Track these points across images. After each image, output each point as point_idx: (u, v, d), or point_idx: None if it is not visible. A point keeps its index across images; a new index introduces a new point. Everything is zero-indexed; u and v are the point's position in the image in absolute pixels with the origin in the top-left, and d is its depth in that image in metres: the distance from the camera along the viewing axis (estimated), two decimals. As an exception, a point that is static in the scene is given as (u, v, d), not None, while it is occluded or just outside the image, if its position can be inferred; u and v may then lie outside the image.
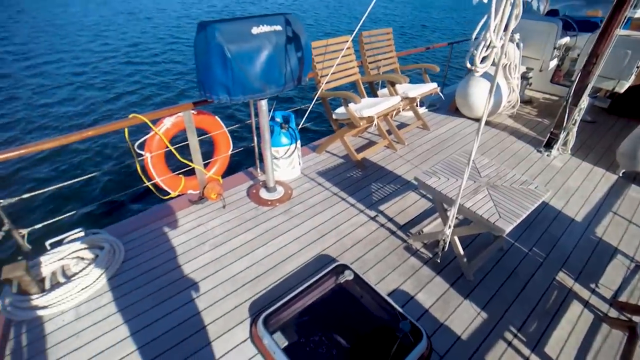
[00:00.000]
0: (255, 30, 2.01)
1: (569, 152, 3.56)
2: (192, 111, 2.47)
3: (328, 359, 1.64)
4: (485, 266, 2.28)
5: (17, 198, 2.04)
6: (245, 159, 4.43)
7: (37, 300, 1.89)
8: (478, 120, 4.22)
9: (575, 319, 1.97)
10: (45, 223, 2.23)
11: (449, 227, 1.94)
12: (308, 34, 2.30)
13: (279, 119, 2.96)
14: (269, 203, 2.72)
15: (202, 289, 2.04)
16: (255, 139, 3.00)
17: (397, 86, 3.52)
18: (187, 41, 12.28)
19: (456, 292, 2.11)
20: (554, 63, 4.59)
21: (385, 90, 3.79)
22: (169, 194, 2.68)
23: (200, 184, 2.75)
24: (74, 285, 2.00)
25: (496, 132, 3.99)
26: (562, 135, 3.44)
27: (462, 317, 1.96)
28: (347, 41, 3.31)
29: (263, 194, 2.81)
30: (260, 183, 2.96)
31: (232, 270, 2.16)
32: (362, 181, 3.03)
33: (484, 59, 1.31)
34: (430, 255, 2.34)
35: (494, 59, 1.35)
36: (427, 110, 4.47)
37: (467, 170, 1.66)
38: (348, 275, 2.01)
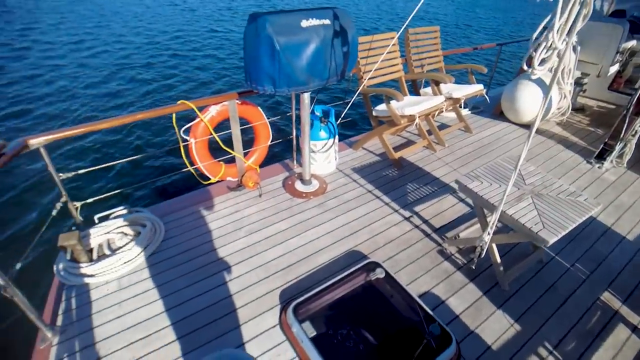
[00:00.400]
0: (304, 23, 2.03)
1: (625, 165, 3.33)
2: (237, 101, 2.54)
3: (355, 353, 1.65)
4: (522, 277, 2.20)
5: (73, 173, 2.19)
6: (283, 151, 4.51)
7: (86, 268, 2.03)
8: (524, 125, 4.04)
9: (621, 344, 1.85)
10: (95, 198, 2.38)
11: (488, 233, 1.89)
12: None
13: (318, 113, 2.98)
14: (304, 195, 2.75)
15: (235, 273, 2.11)
16: (294, 131, 3.04)
17: (442, 86, 3.44)
18: (229, 33, 12.55)
19: (489, 300, 2.04)
20: (614, 69, 4.29)
21: (428, 89, 3.71)
22: (209, 179, 2.77)
23: (239, 172, 2.83)
24: (117, 258, 2.13)
25: (543, 139, 3.80)
26: (617, 147, 3.22)
27: (494, 326, 1.90)
28: (393, 38, 3.26)
29: (298, 186, 2.84)
30: (296, 175, 3.00)
31: (265, 257, 2.21)
32: (398, 180, 3.00)
33: (542, 61, 1.25)
34: (465, 261, 2.28)
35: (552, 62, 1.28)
36: (470, 112, 4.34)
37: (514, 176, 1.60)
38: (379, 273, 2.00)
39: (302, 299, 1.84)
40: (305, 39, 2.05)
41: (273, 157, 3.25)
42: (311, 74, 2.16)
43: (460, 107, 3.84)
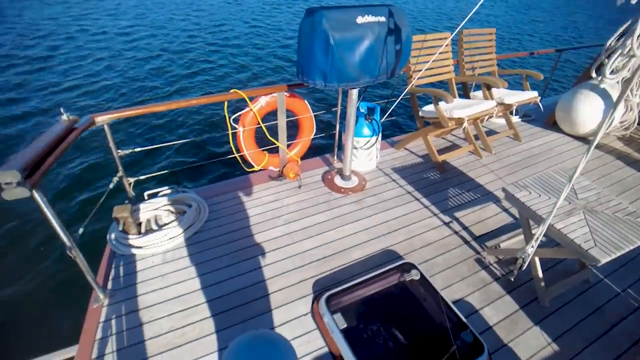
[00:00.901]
0: (360, 19, 2.04)
1: None
2: (285, 93, 2.60)
3: (384, 349, 1.66)
4: (564, 295, 2.09)
5: (130, 150, 2.35)
6: (324, 145, 4.55)
7: (135, 240, 2.18)
8: (579, 138, 3.81)
9: None
10: (147, 176, 2.53)
11: (532, 246, 1.82)
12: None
13: (363, 110, 2.98)
14: (342, 190, 2.77)
15: (272, 259, 2.17)
16: (338, 126, 3.06)
17: (493, 90, 3.32)
18: (282, 26, 12.73)
19: (527, 315, 1.97)
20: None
21: (478, 93, 3.60)
22: (252, 166, 2.86)
23: (281, 162, 2.90)
24: (163, 233, 2.26)
25: (600, 153, 3.57)
26: None
27: (530, 342, 1.83)
28: (447, 38, 3.19)
29: (338, 180, 2.87)
30: (335, 170, 3.02)
31: (301, 247, 2.26)
32: (439, 184, 2.94)
33: (614, 70, 1.18)
34: (504, 272, 2.21)
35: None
36: (520, 119, 4.15)
37: (567, 189, 1.53)
38: (414, 275, 1.99)
39: (335, 290, 1.87)
40: (360, 35, 2.06)
41: (314, 150, 3.29)
42: (362, 70, 2.17)
43: (511, 114, 3.69)
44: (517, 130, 3.68)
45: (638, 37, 0.97)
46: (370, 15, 2.08)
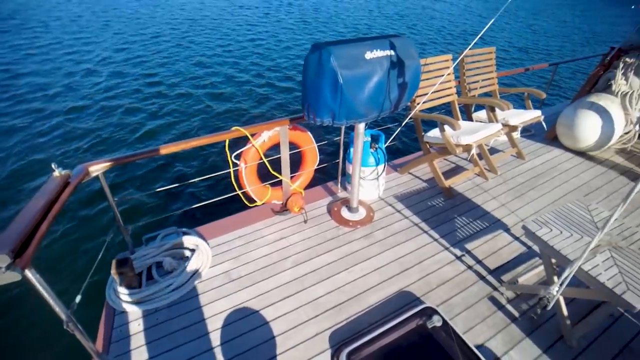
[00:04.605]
0: (369, 55, 1.95)
1: None
2: (288, 126, 2.49)
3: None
4: (590, 332, 2.02)
5: (128, 197, 2.21)
6: (328, 174, 4.30)
7: (136, 295, 2.03)
8: (579, 153, 3.79)
9: None
10: (147, 222, 2.39)
11: (557, 288, 1.74)
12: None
13: (368, 138, 2.88)
14: (350, 224, 2.67)
15: (284, 309, 2.05)
16: (342, 154, 2.96)
17: (497, 111, 3.27)
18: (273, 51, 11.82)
19: (555, 357, 1.89)
20: None
21: (481, 113, 3.55)
22: (255, 202, 2.74)
23: (284, 195, 2.78)
24: (166, 284, 2.13)
25: (603, 169, 3.54)
26: None
27: (561, 389, 1.75)
28: (448, 60, 3.13)
29: (345, 213, 2.76)
30: (341, 201, 2.92)
31: (313, 293, 2.15)
32: (448, 212, 2.86)
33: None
34: (524, 308, 2.13)
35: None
36: (520, 136, 4.12)
37: (600, 235, 1.45)
38: (437, 321, 1.89)
39: (355, 345, 1.76)
40: (369, 71, 1.97)
41: (317, 179, 3.19)
42: (371, 106, 2.08)
43: (518, 134, 3.64)
44: (520, 148, 3.64)
45: None
46: (379, 50, 2.00)
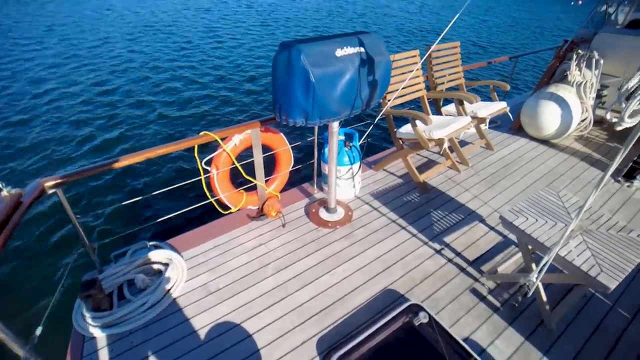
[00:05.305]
0: (339, 52, 1.91)
1: None
2: (260, 128, 2.41)
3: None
4: (567, 314, 2.09)
5: (92, 213, 2.05)
6: (303, 174, 4.22)
7: (107, 318, 1.89)
8: (544, 141, 3.94)
9: None
10: (114, 237, 2.23)
11: (537, 275, 1.78)
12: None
13: (342, 137, 2.85)
14: (330, 225, 2.63)
15: (268, 318, 1.98)
16: (316, 155, 2.92)
17: (466, 104, 3.33)
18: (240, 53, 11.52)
19: (537, 342, 1.93)
20: (635, 81, 4.20)
21: (449, 108, 3.61)
22: (229, 209, 2.64)
23: (260, 200, 2.70)
24: (140, 303, 2.00)
25: (565, 156, 3.70)
26: None
27: (547, 373, 1.79)
28: (415, 56, 3.15)
29: (323, 214, 2.72)
30: (318, 202, 2.87)
31: (297, 299, 2.09)
32: (425, 206, 2.88)
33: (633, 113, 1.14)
34: (506, 297, 2.16)
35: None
36: (487, 127, 4.23)
37: (575, 222, 1.49)
38: (423, 318, 1.88)
39: (343, 350, 1.72)
40: (340, 69, 1.93)
41: (293, 181, 3.12)
42: (344, 104, 2.05)
43: (486, 125, 3.74)
44: (488, 139, 3.74)
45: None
46: (349, 47, 1.96)
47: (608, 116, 1.98)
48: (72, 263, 1.89)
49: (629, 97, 1.09)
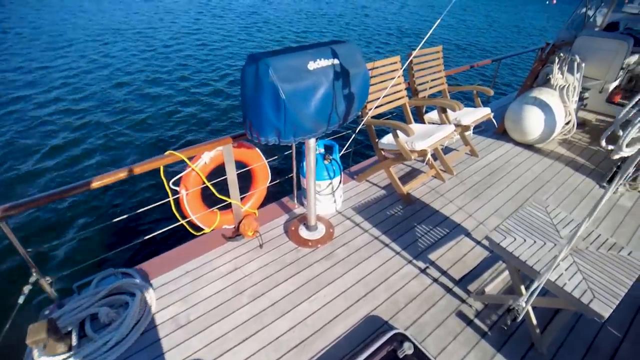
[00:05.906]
0: (312, 65, 1.77)
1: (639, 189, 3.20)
2: (232, 144, 2.26)
3: None
4: (558, 335, 2.00)
5: (45, 245, 1.87)
6: (281, 189, 4.01)
7: (65, 361, 1.71)
8: (528, 146, 3.88)
9: None
10: (73, 269, 2.05)
11: (526, 299, 1.68)
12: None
13: (321, 149, 2.72)
14: (310, 244, 2.49)
15: (243, 353, 1.83)
16: (295, 169, 2.77)
17: (449, 112, 3.23)
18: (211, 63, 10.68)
19: None
20: (615, 83, 4.19)
21: (432, 115, 3.50)
22: (202, 229, 2.48)
23: (235, 219, 2.54)
24: (103, 342, 1.82)
25: (550, 161, 3.64)
26: (631, 169, 3.07)
27: (539, 402, 1.69)
28: (396, 62, 3.04)
29: (303, 232, 2.57)
30: (298, 218, 2.73)
31: (274, 331, 1.94)
32: (409, 220, 2.76)
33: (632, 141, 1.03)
34: (494, 319, 2.06)
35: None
36: (471, 132, 4.15)
37: (566, 249, 1.38)
38: (408, 349, 1.76)
39: (323, 390, 1.58)
40: (313, 83, 1.79)
41: (271, 196, 2.96)
42: (319, 120, 1.91)
43: (470, 132, 3.65)
44: (473, 146, 3.65)
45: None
46: (322, 59, 1.82)
47: (603, 143, 1.95)
48: (23, 300, 1.70)
49: (625, 124, 1.01)
